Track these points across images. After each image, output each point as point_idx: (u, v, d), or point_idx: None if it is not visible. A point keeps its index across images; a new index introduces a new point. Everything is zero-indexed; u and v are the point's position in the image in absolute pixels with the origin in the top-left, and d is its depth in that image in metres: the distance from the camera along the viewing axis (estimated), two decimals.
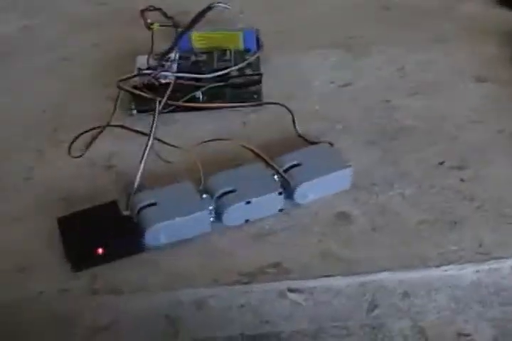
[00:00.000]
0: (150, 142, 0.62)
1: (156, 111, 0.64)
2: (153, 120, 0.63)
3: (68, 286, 0.56)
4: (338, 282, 0.56)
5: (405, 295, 0.55)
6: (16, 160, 0.68)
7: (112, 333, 0.54)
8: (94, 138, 0.68)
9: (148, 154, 0.62)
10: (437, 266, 0.56)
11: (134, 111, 0.72)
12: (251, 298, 0.55)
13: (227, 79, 0.73)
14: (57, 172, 0.67)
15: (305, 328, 0.54)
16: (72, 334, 0.54)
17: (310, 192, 0.61)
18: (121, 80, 0.68)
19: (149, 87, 0.71)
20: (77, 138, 0.66)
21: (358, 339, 0.53)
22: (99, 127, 0.68)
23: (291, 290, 0.55)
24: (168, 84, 0.70)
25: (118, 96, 0.69)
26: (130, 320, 0.54)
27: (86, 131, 0.67)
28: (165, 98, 0.67)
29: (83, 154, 0.67)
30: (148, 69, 0.72)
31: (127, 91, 0.69)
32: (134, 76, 0.70)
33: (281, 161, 0.62)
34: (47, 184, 0.65)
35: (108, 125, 0.68)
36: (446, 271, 0.56)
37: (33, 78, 0.80)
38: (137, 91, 0.68)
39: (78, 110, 0.74)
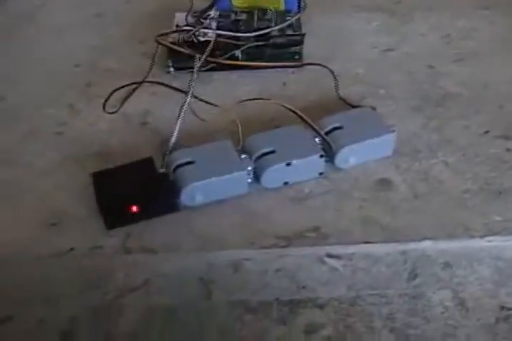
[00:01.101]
0: (188, 99, 0.60)
1: (196, 68, 0.63)
2: (193, 76, 0.61)
3: (100, 243, 0.54)
4: (378, 249, 0.53)
5: (447, 265, 0.53)
6: (48, 114, 0.67)
7: (144, 293, 0.51)
8: (129, 94, 0.67)
9: (185, 112, 0.60)
10: (481, 237, 0.54)
11: (171, 69, 0.70)
12: (287, 263, 0.53)
13: (268, 39, 0.71)
14: (90, 127, 0.65)
15: (342, 295, 0.52)
16: (103, 293, 0.51)
17: (351, 156, 0.59)
18: (160, 35, 0.67)
19: (188, 44, 0.69)
20: (112, 93, 0.65)
21: (396, 308, 0.51)
22: (135, 83, 0.66)
23: (329, 256, 0.53)
24: (207, 42, 0.69)
25: (155, 53, 0.67)
26: (163, 281, 0.52)
27: (122, 87, 0.66)
28: (205, 54, 0.65)
29: (117, 110, 0.66)
30: (187, 26, 0.69)
31: (166, 46, 0.67)
32: (174, 32, 0.69)
33: (323, 124, 0.60)
34: (80, 139, 0.63)
35: (144, 81, 0.66)
36: (490, 241, 0.53)
37: (65, 33, 0.78)
38: (177, 47, 0.66)
39: (113, 66, 0.72)
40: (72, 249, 0.54)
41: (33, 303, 0.51)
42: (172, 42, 0.68)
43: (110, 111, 0.65)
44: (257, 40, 0.71)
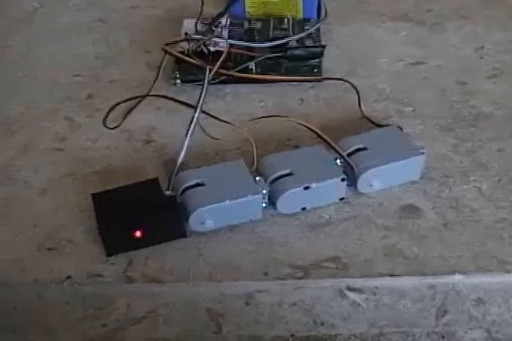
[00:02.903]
0: (197, 114, 0.62)
1: (206, 80, 0.64)
2: (202, 90, 0.63)
3: (100, 271, 0.56)
4: (404, 282, 0.55)
5: (480, 301, 0.54)
6: (45, 127, 0.69)
7: (147, 326, 0.53)
8: (132, 108, 0.69)
9: (193, 129, 0.61)
10: None
11: (178, 81, 0.72)
12: (304, 295, 0.55)
13: (286, 51, 0.73)
14: (90, 143, 0.67)
15: (364, 332, 0.54)
16: (102, 325, 0.53)
17: (376, 180, 0.60)
18: (167, 44, 0.69)
19: (197, 55, 0.70)
20: (114, 107, 0.67)
21: None
22: (138, 96, 0.68)
23: (350, 289, 0.54)
24: (218, 52, 0.70)
25: (162, 63, 0.69)
26: (168, 313, 0.54)
27: (125, 101, 0.67)
28: (217, 66, 0.67)
29: (119, 125, 0.67)
30: (196, 34, 0.71)
31: (174, 56, 0.69)
32: (182, 40, 0.70)
33: (345, 144, 0.61)
34: (79, 155, 0.65)
35: (149, 94, 0.69)
36: None
37: (65, 40, 0.81)
38: (186, 57, 0.68)
39: (115, 76, 0.74)
40: (69, 277, 0.55)
41: (28, 332, 0.52)
42: (180, 52, 0.69)
43: (111, 126, 0.67)
44: (273, 52, 0.73)
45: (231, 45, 0.71)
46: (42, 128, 0.68)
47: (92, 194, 0.58)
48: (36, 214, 0.59)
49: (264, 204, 0.58)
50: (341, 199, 0.60)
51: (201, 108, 0.62)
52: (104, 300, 0.54)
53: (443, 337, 0.52)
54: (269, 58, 0.72)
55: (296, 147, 0.62)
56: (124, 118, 0.68)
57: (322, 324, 0.53)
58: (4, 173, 0.63)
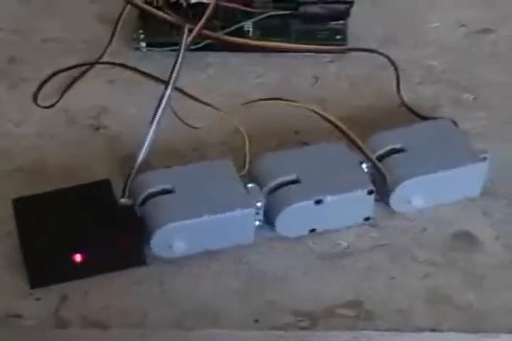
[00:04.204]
0: (168, 92, 0.62)
1: (183, 45, 0.64)
2: (178, 58, 0.63)
3: (21, 310, 0.56)
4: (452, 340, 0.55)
5: None
6: None
7: None
8: (75, 79, 0.69)
9: (162, 113, 0.62)
10: None
11: (143, 44, 0.73)
12: None
13: (297, 7, 0.74)
14: (12, 127, 0.67)
15: None
16: None
17: (416, 195, 0.61)
18: None
19: (172, 8, 0.71)
20: (49, 77, 0.67)
21: None
22: (84, 64, 0.69)
23: None
24: (201, 5, 0.71)
25: (119, 18, 0.70)
26: None
27: (65, 69, 0.68)
28: (199, 25, 0.66)
29: (56, 103, 0.68)
30: None
31: (139, 8, 0.69)
32: None
33: (374, 143, 0.62)
34: None
35: (98, 62, 0.69)
36: None
37: None
38: (156, 11, 0.68)
39: (51, 34, 0.75)
40: None
41: None
42: (146, 3, 0.70)
43: (44, 104, 0.68)
44: (279, 7, 0.73)
45: None
46: None
47: (13, 199, 0.59)
48: None
49: (257, 223, 0.59)
50: (367, 219, 0.61)
51: (175, 83, 0.63)
52: None
53: None
54: (273, 17, 0.73)
55: (306, 144, 0.63)
56: (64, 93, 0.68)
57: None
58: None
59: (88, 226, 0.57)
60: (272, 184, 0.59)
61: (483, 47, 0.74)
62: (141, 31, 0.72)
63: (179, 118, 0.64)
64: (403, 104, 0.68)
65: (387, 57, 0.69)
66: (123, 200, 0.59)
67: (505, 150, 0.65)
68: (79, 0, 0.78)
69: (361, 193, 0.59)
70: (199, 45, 0.70)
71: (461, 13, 0.77)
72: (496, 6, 0.78)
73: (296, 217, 0.59)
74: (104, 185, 0.59)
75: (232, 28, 0.72)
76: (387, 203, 0.61)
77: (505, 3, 0.77)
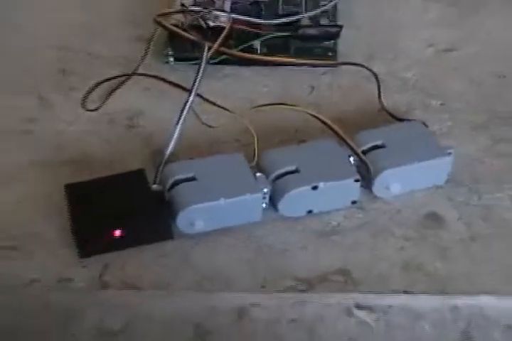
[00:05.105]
0: (191, 98, 0.62)
1: (204, 59, 0.64)
2: (199, 70, 0.63)
3: (70, 275, 0.56)
4: (423, 302, 0.55)
5: (509, 328, 0.54)
6: (12, 106, 0.69)
7: (123, 339, 0.53)
8: (116, 88, 0.69)
9: (186, 115, 0.62)
10: None
11: (171, 59, 0.72)
12: (306, 312, 0.55)
13: (296, 29, 0.73)
14: (65, 126, 0.67)
15: None
16: (71, 336, 0.53)
17: (394, 183, 0.61)
18: (160, 15, 0.68)
19: (194, 29, 0.70)
20: (95, 86, 0.67)
21: None
22: (123, 75, 0.68)
23: (359, 307, 0.55)
24: (218, 27, 0.70)
25: (152, 37, 0.69)
26: (147, 326, 0.54)
27: (108, 79, 0.68)
28: (217, 43, 0.67)
29: (100, 107, 0.68)
30: (194, 6, 0.71)
31: (167, 29, 0.69)
32: (178, 12, 0.70)
33: (360, 140, 0.62)
34: (52, 140, 0.66)
35: (136, 73, 0.68)
36: None
37: (43, 6, 0.80)
38: (181, 32, 0.68)
39: (98, 51, 0.74)
40: (34, 280, 0.55)
41: None
42: (174, 25, 0.69)
43: (91, 107, 0.67)
44: (282, 30, 0.73)
45: (234, 20, 0.71)
46: (8, 106, 0.68)
47: (66, 185, 0.58)
48: (0, 205, 0.59)
49: (264, 205, 0.59)
50: (354, 202, 0.60)
51: (196, 91, 0.62)
52: (74, 308, 0.54)
53: None
54: (277, 37, 0.72)
55: (304, 141, 0.62)
56: (106, 99, 0.68)
57: None
58: None
59: (126, 207, 0.57)
60: (276, 173, 0.59)
61: (447, 62, 0.74)
62: (169, 48, 0.72)
63: (200, 120, 0.64)
64: (383, 109, 0.67)
65: (370, 70, 0.69)
66: (154, 186, 0.58)
67: (466, 147, 0.65)
68: (119, 22, 0.77)
69: (349, 181, 0.59)
70: (216, 60, 0.70)
71: (430, 35, 0.77)
72: (458, 29, 0.77)
73: (296, 201, 0.59)
74: (139, 174, 0.59)
75: (244, 46, 0.71)
76: (370, 189, 0.61)
77: (465, 28, 0.77)
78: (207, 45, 0.65)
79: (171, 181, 0.58)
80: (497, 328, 0.54)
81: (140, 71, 0.69)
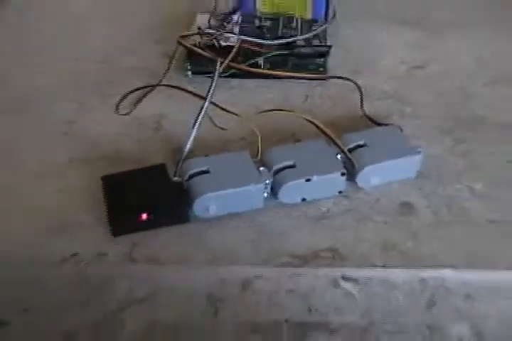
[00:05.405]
0: (206, 105, 0.62)
1: (216, 73, 0.64)
2: (213, 81, 0.63)
3: (105, 250, 0.55)
4: (397, 275, 0.55)
5: (467, 297, 0.54)
6: (57, 110, 0.68)
7: (147, 307, 0.52)
8: (143, 96, 0.68)
9: (202, 119, 0.61)
10: (506, 269, 0.54)
11: (189, 72, 0.72)
12: (301, 283, 0.54)
13: (293, 48, 0.72)
14: (100, 128, 0.66)
15: (356, 321, 0.53)
16: (104, 303, 0.52)
17: (374, 176, 0.60)
18: (181, 36, 0.68)
19: (209, 48, 0.70)
20: (126, 94, 0.67)
21: (411, 337, 0.52)
22: (150, 85, 0.68)
23: (345, 279, 0.54)
24: (229, 46, 0.70)
25: (174, 54, 0.69)
26: (168, 295, 0.53)
27: (137, 89, 0.67)
28: (227, 59, 0.66)
29: (130, 112, 0.67)
30: (209, 28, 0.71)
31: (187, 48, 0.68)
32: (196, 34, 0.70)
33: (346, 140, 0.61)
34: (88, 139, 0.65)
35: (160, 84, 0.68)
36: None
37: (80, 25, 0.80)
38: (198, 50, 0.67)
39: (129, 65, 0.74)
40: (75, 254, 0.55)
41: (31, 310, 0.51)
42: (193, 45, 0.69)
43: (122, 112, 0.66)
44: (281, 49, 0.72)
45: (241, 41, 0.70)
46: (54, 110, 0.67)
47: (102, 176, 0.57)
48: (45, 194, 0.59)
49: (266, 194, 0.58)
50: (340, 192, 0.60)
51: (210, 99, 0.62)
52: (108, 278, 0.54)
53: (430, 328, 0.52)
54: (277, 55, 0.71)
55: (299, 140, 0.62)
56: (135, 105, 0.67)
57: (316, 311, 0.52)
58: (13, 154, 0.63)
59: (150, 195, 0.56)
60: (276, 167, 0.58)
61: (418, 77, 0.73)
62: (188, 63, 0.71)
63: (213, 122, 0.64)
64: (365, 115, 0.67)
65: (354, 83, 0.68)
66: (175, 178, 0.58)
67: (434, 147, 0.65)
68: (147, 41, 0.77)
69: (337, 174, 0.59)
70: (227, 73, 0.69)
71: (403, 54, 0.77)
72: (427, 50, 0.77)
73: (292, 190, 0.58)
74: (161, 168, 0.58)
75: (250, 62, 0.71)
76: (354, 181, 0.60)
77: (432, 49, 0.77)
78: (219, 61, 0.65)
79: (188, 174, 0.57)
80: (457, 297, 0.54)
81: (164, 82, 0.68)
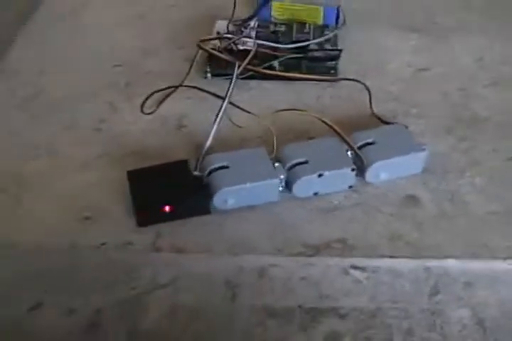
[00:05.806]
0: (225, 104, 0.62)
1: (235, 74, 0.64)
2: (231, 83, 0.63)
3: (131, 240, 0.56)
4: (403, 264, 0.55)
5: (468, 284, 0.54)
6: (87, 109, 0.68)
7: (170, 292, 0.53)
8: (166, 96, 0.68)
9: (221, 118, 0.61)
10: (504, 259, 0.54)
11: (209, 74, 0.71)
12: (313, 271, 0.54)
13: (306, 52, 0.73)
14: (128, 126, 0.66)
15: (364, 306, 0.53)
16: (130, 288, 0.53)
17: (382, 171, 0.60)
18: (202, 41, 0.68)
19: (227, 52, 0.70)
20: (150, 95, 0.67)
21: (416, 322, 0.52)
22: (172, 87, 0.68)
23: (354, 267, 0.54)
24: (246, 50, 0.70)
25: (195, 58, 0.69)
26: (189, 281, 0.54)
27: (161, 90, 0.67)
28: (245, 62, 0.66)
29: (154, 111, 0.67)
30: (228, 33, 0.71)
31: (207, 51, 0.68)
32: (215, 38, 0.70)
33: (356, 138, 0.61)
34: (117, 136, 0.65)
35: (182, 85, 0.68)
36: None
37: (108, 33, 0.80)
38: (217, 53, 0.67)
39: (153, 68, 0.74)
40: (104, 243, 0.55)
41: (63, 292, 0.52)
42: (212, 49, 0.69)
43: (147, 111, 0.67)
44: (295, 53, 0.72)
45: (258, 45, 0.70)
46: (85, 110, 0.68)
47: (128, 171, 0.58)
48: (76, 186, 0.59)
49: (281, 188, 0.58)
50: (350, 187, 0.60)
51: (229, 99, 0.62)
52: (133, 266, 0.54)
53: (433, 313, 0.52)
54: (291, 58, 0.71)
55: (312, 138, 0.62)
56: (159, 105, 0.67)
57: (327, 297, 0.52)
58: (49, 148, 0.63)
59: (174, 188, 0.56)
60: (290, 163, 0.58)
61: (422, 79, 0.73)
62: (208, 66, 0.71)
63: (231, 121, 0.63)
64: (373, 114, 0.66)
65: (363, 84, 0.68)
66: (196, 173, 0.58)
67: (437, 145, 0.64)
68: (170, 46, 0.77)
69: (347, 170, 0.59)
70: (244, 75, 0.69)
71: (409, 58, 0.76)
72: (431, 54, 0.77)
73: (306, 185, 0.58)
74: (183, 163, 0.58)
75: (266, 64, 0.70)
76: (363, 177, 0.60)
77: (436, 52, 0.77)
78: (237, 63, 0.65)
79: (209, 169, 0.57)
80: (458, 284, 0.54)
81: (185, 83, 0.68)
